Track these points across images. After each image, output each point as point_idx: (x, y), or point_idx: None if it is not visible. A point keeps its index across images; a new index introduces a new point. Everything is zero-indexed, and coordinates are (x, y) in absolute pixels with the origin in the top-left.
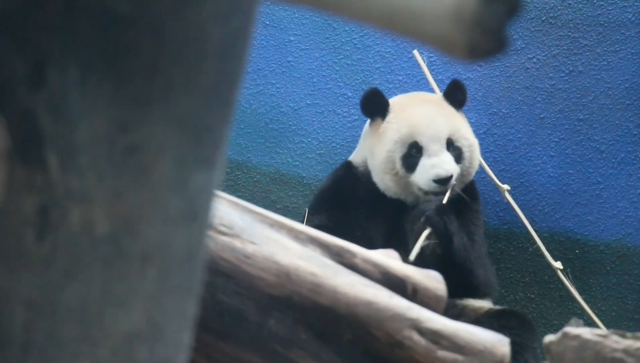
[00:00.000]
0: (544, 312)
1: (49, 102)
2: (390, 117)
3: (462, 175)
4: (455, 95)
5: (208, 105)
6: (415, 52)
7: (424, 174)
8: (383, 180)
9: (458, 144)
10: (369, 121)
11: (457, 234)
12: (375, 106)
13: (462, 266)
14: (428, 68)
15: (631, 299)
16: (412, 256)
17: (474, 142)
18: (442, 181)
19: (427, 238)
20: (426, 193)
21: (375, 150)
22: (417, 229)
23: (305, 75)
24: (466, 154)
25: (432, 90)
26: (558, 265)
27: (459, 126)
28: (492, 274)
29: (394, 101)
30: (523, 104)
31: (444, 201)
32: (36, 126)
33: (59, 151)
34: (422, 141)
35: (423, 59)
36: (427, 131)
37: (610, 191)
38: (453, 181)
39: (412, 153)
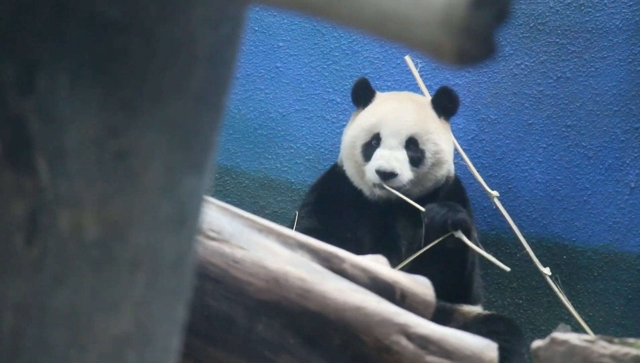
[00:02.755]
0: (532, 317)
1: (39, 107)
2: (369, 106)
3: (419, 179)
4: (441, 102)
5: (197, 110)
6: (407, 57)
7: (371, 164)
8: (347, 166)
9: (422, 146)
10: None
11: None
12: (361, 95)
13: (465, 271)
14: (419, 74)
15: (618, 305)
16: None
17: (444, 149)
18: (384, 175)
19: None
20: (374, 185)
21: (346, 134)
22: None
23: (294, 81)
24: (428, 159)
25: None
26: (547, 271)
27: (431, 130)
28: (481, 284)
29: (382, 94)
30: (511, 110)
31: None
32: (26, 130)
33: (49, 156)
34: (383, 133)
35: (415, 64)
36: (389, 125)
37: (598, 197)
38: (403, 181)
39: (372, 143)
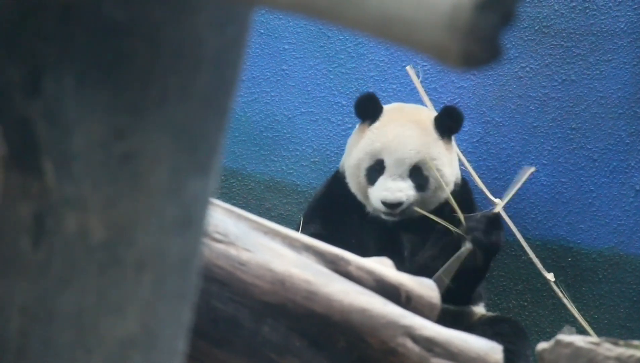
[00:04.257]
0: (537, 320)
1: (45, 109)
2: (376, 125)
3: (423, 202)
4: (444, 121)
5: (203, 113)
6: (409, 67)
7: (376, 193)
8: (351, 183)
9: (426, 173)
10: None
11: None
12: (368, 111)
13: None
14: (422, 80)
15: (623, 307)
16: (447, 274)
17: (447, 173)
18: (389, 206)
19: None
20: (377, 210)
21: (351, 151)
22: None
23: (299, 83)
24: (432, 184)
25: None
26: (550, 276)
27: (434, 155)
28: (482, 284)
29: (388, 109)
30: (516, 113)
31: (449, 226)
32: (32, 133)
33: (55, 158)
34: (387, 161)
35: (417, 74)
36: (394, 154)
37: (602, 200)
38: (409, 203)
39: (376, 168)
